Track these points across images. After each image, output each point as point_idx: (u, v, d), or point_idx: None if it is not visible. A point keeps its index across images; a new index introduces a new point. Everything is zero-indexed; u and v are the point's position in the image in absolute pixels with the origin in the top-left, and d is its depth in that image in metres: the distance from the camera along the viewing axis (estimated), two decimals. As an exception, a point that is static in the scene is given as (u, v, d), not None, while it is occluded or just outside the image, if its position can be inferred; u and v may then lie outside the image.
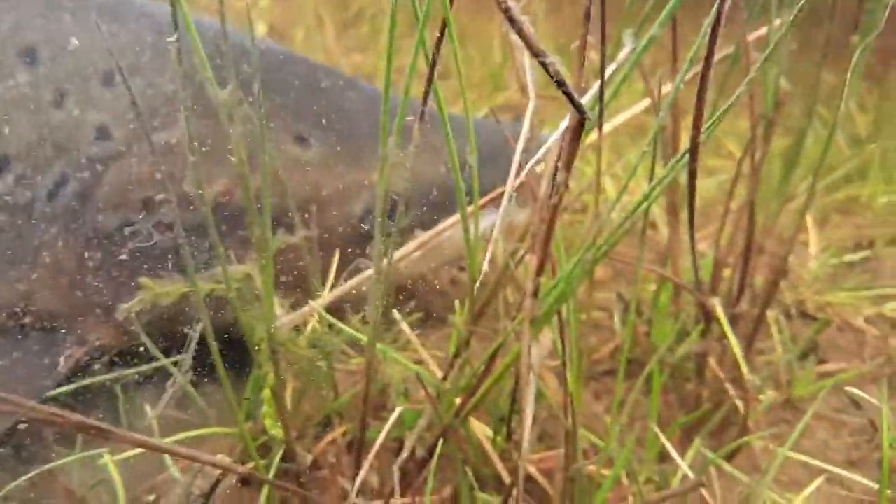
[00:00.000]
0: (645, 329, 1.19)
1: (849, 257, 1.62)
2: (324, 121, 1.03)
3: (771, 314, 1.29)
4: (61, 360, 0.93)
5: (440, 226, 0.87)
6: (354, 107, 1.06)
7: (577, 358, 0.84)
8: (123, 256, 0.94)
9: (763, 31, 0.85)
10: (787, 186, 0.99)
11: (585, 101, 0.56)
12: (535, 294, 0.68)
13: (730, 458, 1.03)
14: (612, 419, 0.88)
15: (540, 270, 0.67)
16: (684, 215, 1.57)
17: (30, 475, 0.77)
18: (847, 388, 1.07)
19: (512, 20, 0.42)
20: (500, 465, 0.86)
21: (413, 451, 0.79)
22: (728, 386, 0.99)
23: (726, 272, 1.09)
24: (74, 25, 0.97)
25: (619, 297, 1.08)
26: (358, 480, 0.65)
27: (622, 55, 0.59)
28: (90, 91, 0.94)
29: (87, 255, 0.94)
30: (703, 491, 0.86)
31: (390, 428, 0.70)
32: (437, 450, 0.75)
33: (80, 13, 0.99)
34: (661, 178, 0.57)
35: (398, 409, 0.71)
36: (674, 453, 0.85)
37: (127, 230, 0.94)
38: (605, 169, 1.38)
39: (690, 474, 0.85)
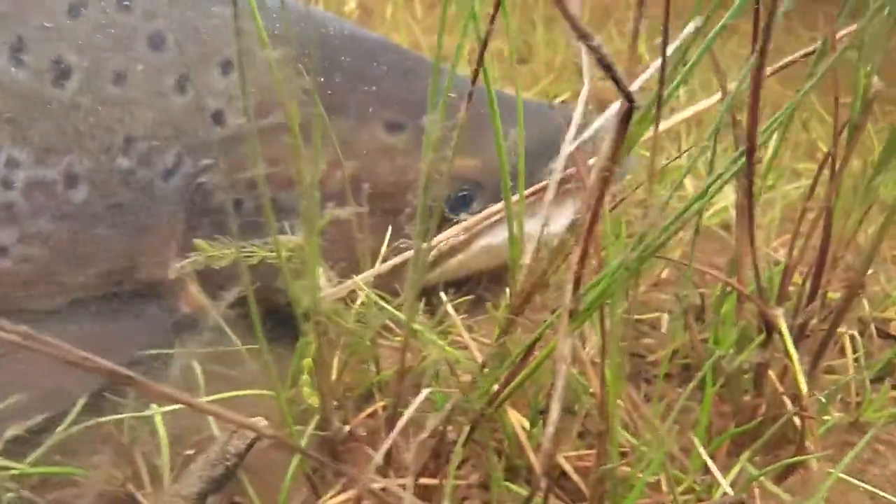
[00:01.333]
0: (706, 335, 1.13)
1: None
2: (414, 108, 1.05)
3: (846, 331, 1.21)
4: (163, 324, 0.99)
5: (485, 213, 0.85)
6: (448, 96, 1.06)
7: (622, 357, 0.81)
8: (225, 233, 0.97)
9: (854, 26, 0.78)
10: (872, 193, 0.91)
11: (637, 86, 0.53)
12: (576, 288, 0.66)
13: (782, 478, 0.97)
14: (644, 420, 0.84)
15: (582, 263, 0.64)
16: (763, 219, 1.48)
17: (85, 424, 0.81)
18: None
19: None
20: (532, 457, 0.84)
21: (443, 434, 0.78)
22: (787, 401, 0.93)
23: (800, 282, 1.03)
24: (197, 13, 1.01)
25: (677, 298, 1.03)
26: (379, 454, 0.64)
27: (683, 36, 0.55)
28: (209, 78, 0.99)
29: (194, 231, 1.00)
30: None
31: (416, 407, 0.69)
32: (465, 435, 0.74)
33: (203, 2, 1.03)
34: (715, 177, 0.53)
35: (424, 391, 0.70)
36: (711, 464, 0.80)
37: (232, 209, 1.00)
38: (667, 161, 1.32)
39: (729, 490, 0.80)
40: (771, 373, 0.96)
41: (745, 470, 0.91)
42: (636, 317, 1.30)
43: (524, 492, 0.83)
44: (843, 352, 1.20)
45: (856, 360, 1.17)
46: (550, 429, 0.63)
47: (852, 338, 1.19)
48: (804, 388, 0.87)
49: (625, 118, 0.48)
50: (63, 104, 0.94)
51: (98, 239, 0.99)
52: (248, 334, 0.75)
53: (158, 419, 0.79)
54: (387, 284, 0.92)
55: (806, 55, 0.85)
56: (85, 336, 0.98)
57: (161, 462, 0.79)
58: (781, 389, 0.95)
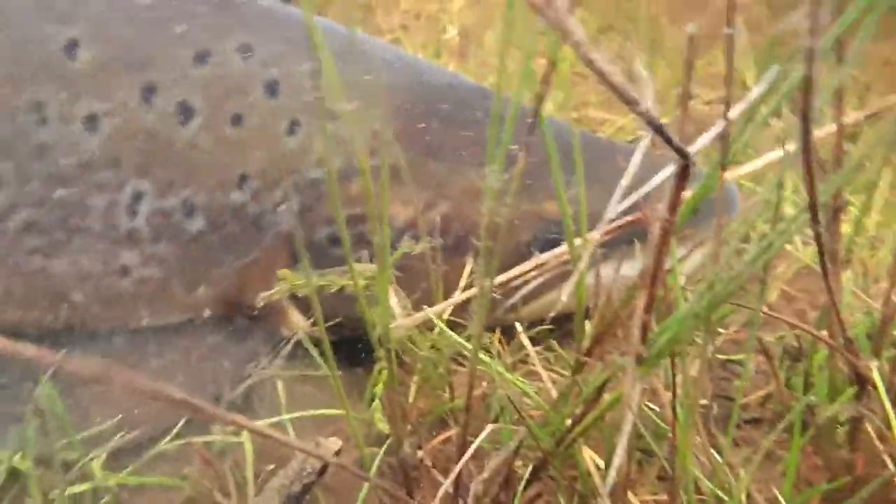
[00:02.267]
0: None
1: None
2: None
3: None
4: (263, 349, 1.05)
5: (556, 251, 0.85)
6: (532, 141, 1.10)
7: (698, 401, 0.78)
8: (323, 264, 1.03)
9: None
10: None
11: (695, 148, 0.52)
12: (643, 334, 0.65)
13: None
14: (718, 465, 0.80)
15: (649, 309, 0.64)
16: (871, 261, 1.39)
17: (177, 441, 0.87)
18: None
19: (598, 72, 0.40)
20: (604, 496, 0.83)
21: (512, 467, 0.78)
22: (886, 459, 0.86)
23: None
24: (310, 66, 1.09)
25: (760, 343, 0.98)
26: (447, 483, 0.66)
27: (753, 95, 0.54)
28: (316, 124, 1.07)
29: (297, 262, 1.07)
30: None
31: (482, 441, 0.70)
32: (531, 472, 0.74)
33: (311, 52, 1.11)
34: (782, 229, 0.51)
35: (488, 427, 0.71)
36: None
37: (329, 242, 1.06)
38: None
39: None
40: (869, 427, 0.90)
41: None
42: (727, 357, 1.25)
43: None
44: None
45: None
46: (613, 471, 0.62)
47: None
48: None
49: (681, 175, 0.48)
50: (185, 142, 1.02)
51: (210, 265, 1.07)
52: (340, 359, 0.79)
53: (245, 435, 0.84)
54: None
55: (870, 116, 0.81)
56: (199, 353, 1.05)
57: (245, 475, 0.84)
58: (880, 446, 0.88)
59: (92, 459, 0.82)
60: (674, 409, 0.71)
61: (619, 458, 0.62)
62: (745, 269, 0.57)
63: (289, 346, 0.93)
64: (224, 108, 1.04)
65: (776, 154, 0.81)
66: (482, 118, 1.13)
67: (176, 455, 0.86)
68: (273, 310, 1.08)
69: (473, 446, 0.67)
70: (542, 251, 1.08)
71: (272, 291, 0.79)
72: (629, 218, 0.78)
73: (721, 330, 1.18)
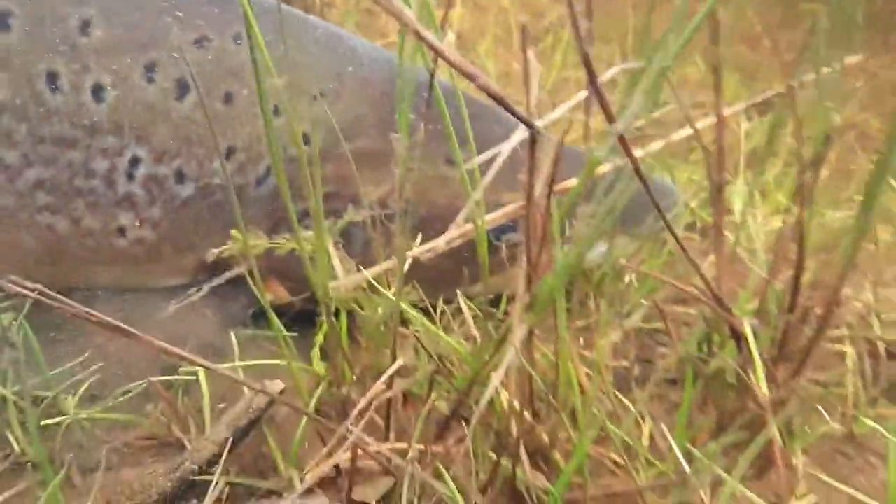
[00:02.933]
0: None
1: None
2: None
3: (849, 350, 1.23)
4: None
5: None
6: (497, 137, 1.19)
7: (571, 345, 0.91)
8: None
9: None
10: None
11: (546, 121, 0.64)
12: (528, 285, 0.77)
13: (759, 476, 1.03)
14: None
15: (532, 265, 0.76)
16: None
17: (140, 383, 1.00)
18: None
19: (434, 49, 0.52)
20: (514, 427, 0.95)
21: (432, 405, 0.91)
22: (760, 400, 0.99)
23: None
24: (300, 54, 1.20)
25: (659, 310, 1.10)
26: (357, 408, 0.78)
27: (609, 74, 0.66)
28: (301, 107, 1.18)
29: (275, 233, 1.15)
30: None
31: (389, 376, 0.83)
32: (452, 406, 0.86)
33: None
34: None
35: (399, 361, 0.83)
36: (670, 439, 0.89)
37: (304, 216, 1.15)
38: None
39: (687, 468, 0.88)
40: (748, 373, 1.02)
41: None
42: (653, 326, 1.37)
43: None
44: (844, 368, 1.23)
45: (853, 374, 1.20)
46: (501, 369, 0.73)
47: (850, 355, 1.22)
48: (763, 384, 0.94)
49: (532, 144, 0.60)
50: (180, 116, 1.12)
51: (198, 230, 1.16)
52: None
53: (202, 376, 0.97)
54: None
55: (777, 96, 0.93)
56: (189, 311, 1.14)
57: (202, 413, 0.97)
58: (755, 389, 1.01)
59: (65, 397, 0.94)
60: (556, 345, 0.83)
61: (498, 377, 0.73)
62: (604, 222, 0.69)
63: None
64: (217, 88, 1.14)
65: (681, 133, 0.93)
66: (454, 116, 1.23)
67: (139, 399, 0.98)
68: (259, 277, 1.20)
69: (389, 371, 0.79)
70: (496, 236, 1.19)
71: (222, 248, 0.92)
72: (511, 206, 0.91)
73: (643, 301, 1.30)
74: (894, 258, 1.54)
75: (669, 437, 0.96)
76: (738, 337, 0.97)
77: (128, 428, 0.97)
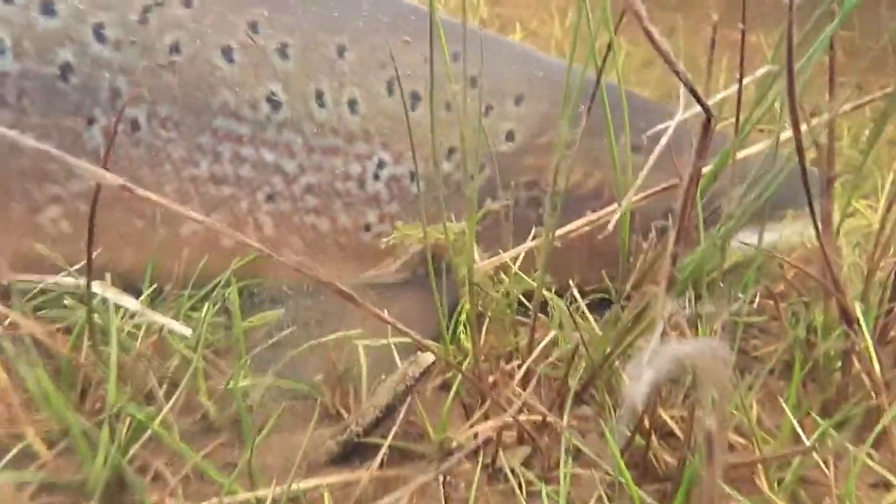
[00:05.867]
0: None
1: None
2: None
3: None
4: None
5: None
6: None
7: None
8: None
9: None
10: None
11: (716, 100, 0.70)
12: (673, 262, 0.83)
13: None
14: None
15: (678, 242, 0.81)
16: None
17: (306, 346, 1.07)
18: None
19: (652, 40, 0.58)
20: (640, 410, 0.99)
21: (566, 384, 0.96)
22: (866, 380, 1.02)
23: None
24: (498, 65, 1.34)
25: (771, 297, 1.14)
26: (517, 378, 0.84)
27: (763, 71, 0.72)
28: (506, 107, 1.32)
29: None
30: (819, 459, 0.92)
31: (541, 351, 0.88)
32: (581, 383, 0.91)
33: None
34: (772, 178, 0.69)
35: (551, 334, 0.89)
36: (795, 423, 0.92)
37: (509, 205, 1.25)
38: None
39: (806, 440, 0.91)
40: (854, 358, 1.05)
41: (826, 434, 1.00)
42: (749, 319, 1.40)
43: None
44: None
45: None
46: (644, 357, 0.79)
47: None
48: (877, 368, 0.97)
49: (705, 126, 0.66)
50: (414, 123, 1.23)
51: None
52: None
53: (361, 349, 1.04)
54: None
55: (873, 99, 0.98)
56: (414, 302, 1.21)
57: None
58: (862, 373, 1.04)
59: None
60: (696, 330, 0.88)
61: (647, 354, 0.79)
62: (751, 204, 0.74)
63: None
64: (441, 94, 1.24)
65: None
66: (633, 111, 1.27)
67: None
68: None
69: (539, 347, 0.85)
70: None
71: (391, 237, 1.00)
72: (665, 185, 0.96)
73: (740, 295, 1.33)
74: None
75: (787, 409, 0.99)
76: (850, 321, 1.01)
77: (298, 396, 1.04)
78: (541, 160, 1.29)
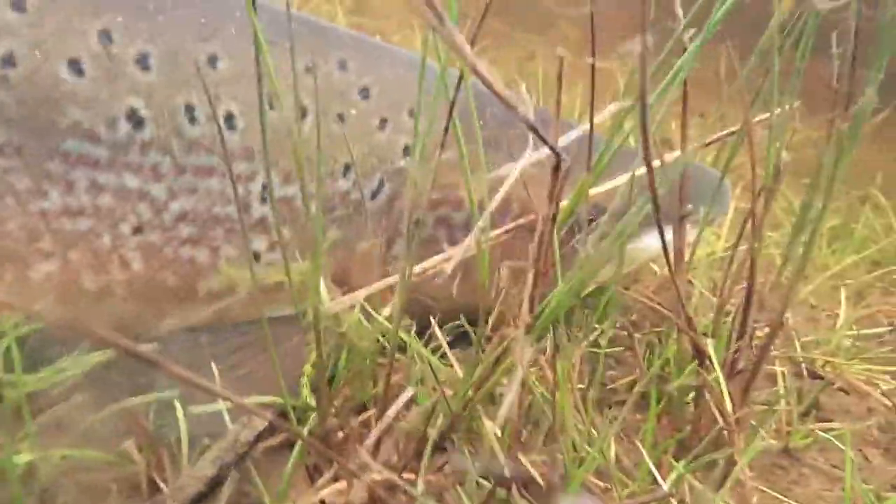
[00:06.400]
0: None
1: (876, 330, 1.60)
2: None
3: (781, 371, 1.30)
4: None
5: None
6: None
7: (574, 369, 0.91)
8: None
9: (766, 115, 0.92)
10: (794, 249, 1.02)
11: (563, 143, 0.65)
12: (531, 306, 0.77)
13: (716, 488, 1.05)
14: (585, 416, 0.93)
15: (535, 285, 0.75)
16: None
17: (115, 407, 0.90)
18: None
19: (485, 81, 0.51)
20: (501, 458, 0.93)
21: (425, 433, 0.87)
22: (717, 415, 1.02)
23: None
24: (394, 73, 1.25)
25: (625, 329, 1.13)
26: (370, 439, 0.73)
27: (607, 112, 0.68)
28: (401, 120, 1.21)
29: (392, 242, 1.21)
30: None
31: (399, 408, 0.78)
32: (441, 431, 0.83)
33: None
34: (629, 222, 0.64)
35: (408, 391, 0.79)
36: (652, 467, 0.89)
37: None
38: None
39: (664, 484, 0.88)
40: (706, 393, 1.05)
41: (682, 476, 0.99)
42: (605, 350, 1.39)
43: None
44: (777, 386, 1.30)
45: (786, 393, 1.26)
46: (502, 412, 0.71)
47: (783, 374, 1.28)
48: (728, 404, 0.97)
49: (555, 169, 0.60)
50: (301, 138, 1.10)
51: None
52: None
53: (180, 413, 0.88)
54: None
55: (729, 134, 0.99)
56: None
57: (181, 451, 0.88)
58: (714, 408, 1.04)
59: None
60: (554, 372, 0.82)
61: (507, 403, 0.71)
62: (606, 250, 0.69)
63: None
64: (330, 110, 1.16)
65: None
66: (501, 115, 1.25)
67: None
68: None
69: (397, 405, 0.75)
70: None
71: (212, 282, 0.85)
72: (522, 221, 0.91)
73: (596, 325, 1.32)
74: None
75: (645, 454, 0.97)
76: (702, 358, 1.00)
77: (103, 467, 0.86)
78: (445, 177, 1.18)
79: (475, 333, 1.01)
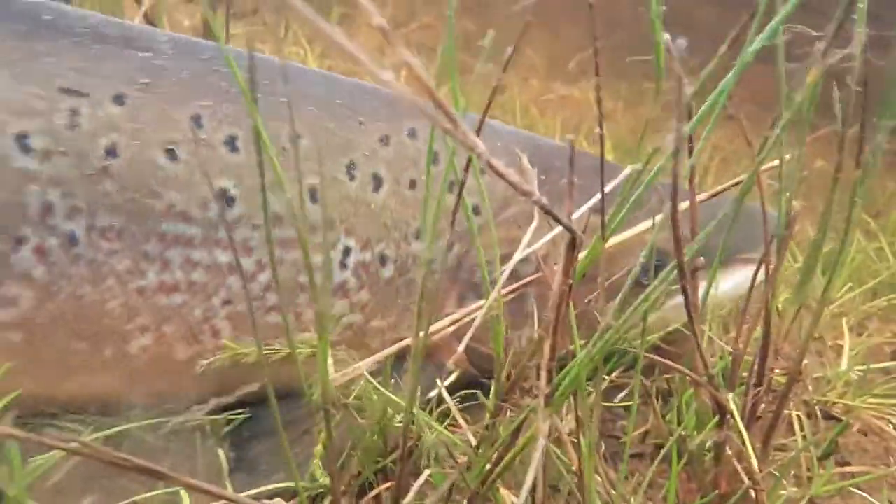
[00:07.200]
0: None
1: (884, 364, 1.57)
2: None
3: (796, 414, 1.26)
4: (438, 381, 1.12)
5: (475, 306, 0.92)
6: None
7: (595, 435, 0.86)
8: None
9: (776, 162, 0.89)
10: (802, 295, 1.00)
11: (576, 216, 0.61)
12: (549, 377, 0.72)
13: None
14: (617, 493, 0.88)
15: (552, 355, 0.71)
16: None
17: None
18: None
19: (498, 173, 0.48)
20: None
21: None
22: (741, 472, 0.97)
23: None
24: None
25: (643, 386, 1.09)
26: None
27: (622, 176, 0.65)
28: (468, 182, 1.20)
29: (463, 300, 1.22)
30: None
31: (418, 488, 0.73)
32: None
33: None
34: (655, 286, 0.61)
35: (426, 472, 0.75)
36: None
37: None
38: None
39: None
40: (728, 450, 1.01)
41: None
42: (611, 404, 1.35)
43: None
44: (792, 430, 1.26)
45: (804, 438, 1.22)
46: (524, 493, 0.67)
47: (799, 418, 1.24)
48: (755, 463, 0.92)
49: (570, 246, 0.57)
50: (378, 205, 1.16)
51: (399, 307, 1.18)
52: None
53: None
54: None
55: (735, 184, 0.97)
56: None
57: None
58: (738, 466, 1.00)
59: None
60: (579, 442, 0.78)
61: (529, 478, 0.67)
62: (629, 319, 0.66)
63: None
64: (403, 176, 1.19)
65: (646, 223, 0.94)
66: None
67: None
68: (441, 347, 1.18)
69: (413, 490, 0.70)
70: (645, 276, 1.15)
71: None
72: (530, 278, 0.87)
73: (605, 377, 1.27)
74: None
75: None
76: (724, 413, 0.96)
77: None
78: (510, 233, 1.22)
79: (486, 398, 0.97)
